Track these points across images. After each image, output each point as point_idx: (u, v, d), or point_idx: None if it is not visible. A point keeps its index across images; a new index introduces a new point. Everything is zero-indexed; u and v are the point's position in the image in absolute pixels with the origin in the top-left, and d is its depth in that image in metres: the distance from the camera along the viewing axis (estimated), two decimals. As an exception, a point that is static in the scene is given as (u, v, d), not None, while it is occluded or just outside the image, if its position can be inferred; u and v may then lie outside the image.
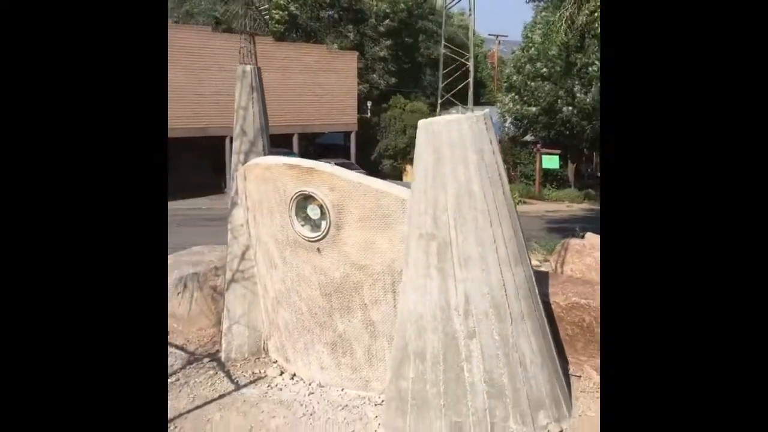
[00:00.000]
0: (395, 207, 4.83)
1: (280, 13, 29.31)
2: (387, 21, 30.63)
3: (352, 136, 27.15)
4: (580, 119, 25.58)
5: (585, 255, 7.19)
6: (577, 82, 24.79)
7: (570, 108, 25.32)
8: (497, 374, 4.56)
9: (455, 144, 4.51)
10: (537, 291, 4.94)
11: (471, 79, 4.63)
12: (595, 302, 5.36)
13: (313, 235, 5.17)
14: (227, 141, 23.77)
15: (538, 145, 26.64)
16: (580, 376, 5.45)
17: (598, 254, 7.20)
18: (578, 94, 25.09)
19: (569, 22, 9.20)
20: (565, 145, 26.66)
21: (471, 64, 4.62)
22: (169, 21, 30.82)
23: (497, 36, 39.80)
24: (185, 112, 23.13)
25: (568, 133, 26.18)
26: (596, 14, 8.65)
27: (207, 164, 25.44)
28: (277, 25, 29.07)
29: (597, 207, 24.71)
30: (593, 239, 7.61)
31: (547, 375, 4.77)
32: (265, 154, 5.97)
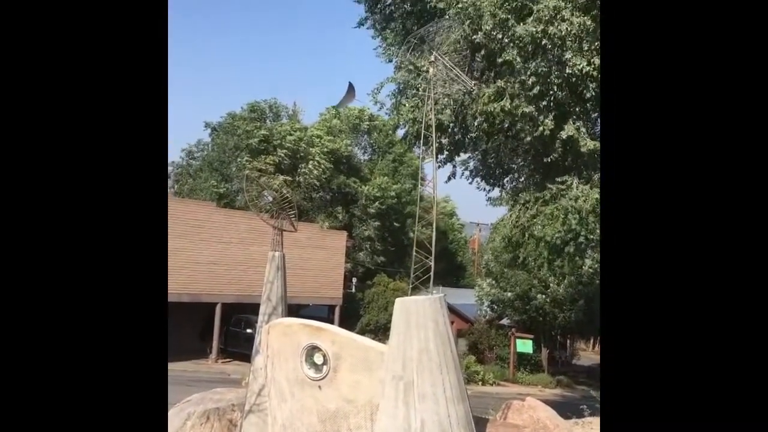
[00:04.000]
0: (376, 357, 7.30)
1: (277, 192, 33.34)
2: (376, 204, 34.64)
3: (336, 310, 29.72)
4: (552, 307, 28.51)
5: (523, 413, 9.52)
6: (549, 274, 27.99)
7: (543, 296, 28.35)
8: (442, 481, 6.76)
9: (419, 315, 7.11)
10: (474, 425, 7.27)
11: (431, 273, 6.65)
12: (518, 439, 7.66)
13: (317, 376, 7.57)
14: (218, 308, 26.18)
15: (513, 330, 29.20)
16: (507, 497, 7.59)
17: (533, 413, 9.54)
18: (551, 284, 28.23)
19: (515, 221, 12.25)
20: (538, 331, 29.25)
21: (432, 264, 6.66)
22: (173, 194, 34.51)
23: (478, 224, 44.20)
24: (179, 279, 25.55)
25: (541, 319, 28.95)
26: (536, 219, 11.65)
27: (195, 329, 27.53)
28: (274, 203, 32.98)
29: (569, 393, 26.77)
30: (532, 402, 9.97)
31: (479, 486, 6.96)
32: (283, 316, 8.51)
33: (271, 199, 8.75)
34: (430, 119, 8.48)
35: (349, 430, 7.39)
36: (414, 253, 7.31)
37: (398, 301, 7.28)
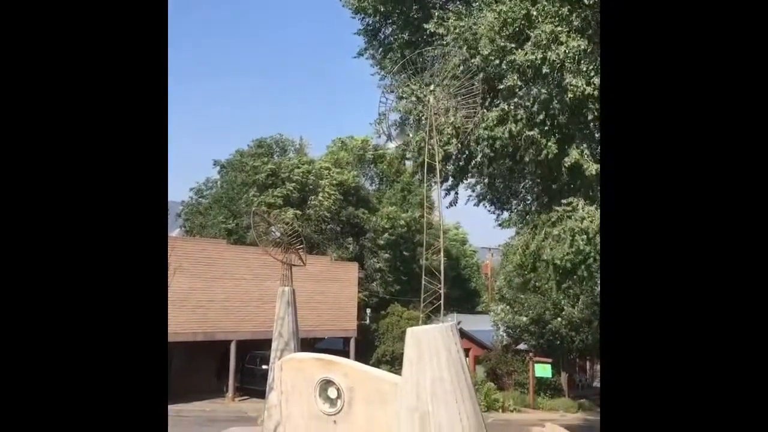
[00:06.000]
0: (390, 389, 7.29)
1: (285, 227, 33.53)
2: (386, 235, 34.68)
3: (352, 342, 29.58)
4: (568, 330, 28.24)
5: (543, 439, 9.43)
6: (563, 296, 27.80)
7: (558, 320, 28.11)
8: None
9: (431, 344, 7.11)
10: (492, 453, 7.21)
11: (441, 302, 6.69)
12: (538, 466, 7.59)
13: (332, 410, 7.56)
14: (233, 345, 26.11)
15: (531, 354, 28.90)
16: None
17: (553, 438, 9.44)
18: (566, 307, 28.01)
19: (525, 246, 12.24)
20: (556, 354, 28.93)
21: (442, 292, 6.70)
22: (183, 233, 34.72)
23: (490, 249, 43.97)
24: (193, 318, 25.59)
25: (558, 343, 28.66)
26: (545, 241, 11.66)
27: (211, 368, 27.45)
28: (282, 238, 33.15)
29: (591, 417, 26.36)
30: (552, 428, 9.87)
31: None
32: (296, 351, 8.52)
33: (279, 234, 8.81)
34: (434, 149, 8.56)
35: (366, 464, 7.35)
36: (423, 282, 7.33)
37: (409, 331, 7.29)
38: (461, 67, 12.49)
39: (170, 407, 23.41)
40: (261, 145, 35.11)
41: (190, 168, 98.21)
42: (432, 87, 9.01)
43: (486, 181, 16.55)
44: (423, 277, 7.41)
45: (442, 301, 7.15)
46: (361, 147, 39.17)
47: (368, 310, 33.32)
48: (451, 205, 15.98)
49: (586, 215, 10.68)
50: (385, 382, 7.34)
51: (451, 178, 14.32)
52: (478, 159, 14.20)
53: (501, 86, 11.95)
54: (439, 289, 7.33)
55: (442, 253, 7.02)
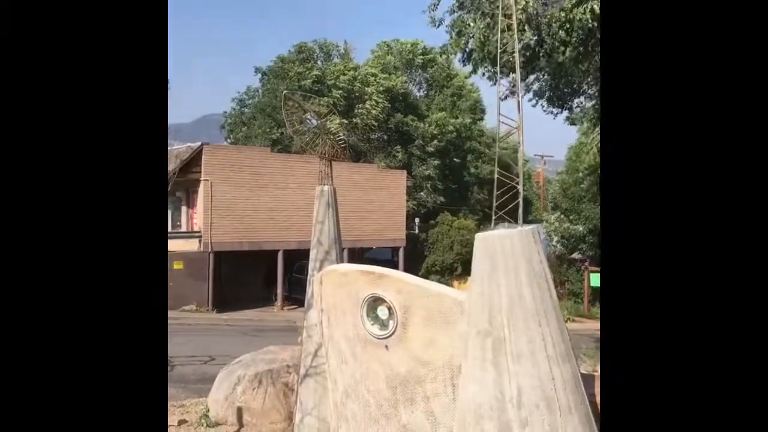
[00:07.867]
0: (454, 308, 5.71)
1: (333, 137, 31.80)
2: (435, 142, 32.67)
3: (401, 252, 28.31)
4: (627, 239, 26.34)
5: (630, 363, 7.82)
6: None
7: (618, 227, 26.20)
8: (548, 461, 5.19)
9: (507, 254, 5.43)
10: (583, 388, 5.63)
11: (520, 199, 5.45)
12: (638, 401, 6.00)
13: (382, 333, 6.04)
14: (280, 255, 25.16)
15: (586, 263, 27.23)
16: (626, 473, 5.98)
17: (642, 363, 7.82)
18: (625, 214, 26.01)
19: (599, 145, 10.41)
20: (613, 264, 27.21)
21: (520, 187, 5.46)
22: (229, 143, 33.45)
23: (543, 156, 41.55)
24: (240, 227, 24.66)
25: (616, 252, 26.86)
26: None
27: (258, 277, 26.70)
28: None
29: (649, 327, 24.81)
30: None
31: (594, 465, 5.36)
32: (338, 262, 6.98)
33: (315, 122, 7.11)
34: (506, 41, 6.64)
35: (425, 398, 5.88)
36: (496, 177, 5.58)
37: (479, 237, 5.60)
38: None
39: (219, 316, 22.79)
40: (302, 50, 32.89)
41: (218, 78, 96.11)
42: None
43: (547, 77, 14.74)
44: (495, 173, 5.65)
45: (521, 200, 5.42)
46: (409, 51, 36.52)
47: (417, 219, 31.84)
48: (506, 97, 14.13)
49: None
50: (448, 300, 5.75)
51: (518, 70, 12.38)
52: (549, 45, 12.15)
53: None
54: (517, 184, 5.58)
55: (521, 137, 5.23)
